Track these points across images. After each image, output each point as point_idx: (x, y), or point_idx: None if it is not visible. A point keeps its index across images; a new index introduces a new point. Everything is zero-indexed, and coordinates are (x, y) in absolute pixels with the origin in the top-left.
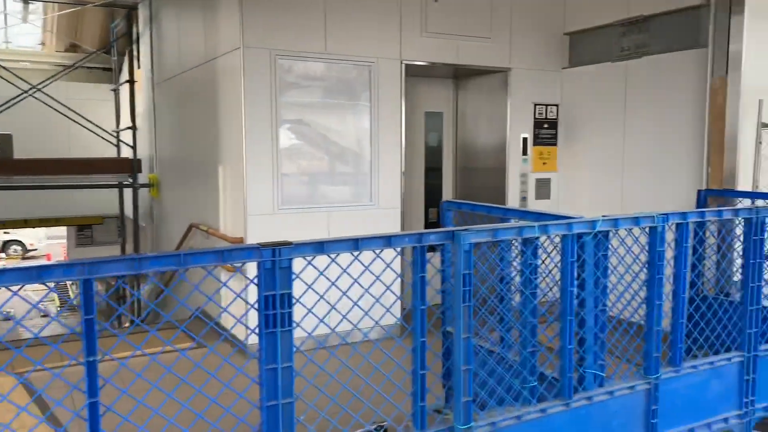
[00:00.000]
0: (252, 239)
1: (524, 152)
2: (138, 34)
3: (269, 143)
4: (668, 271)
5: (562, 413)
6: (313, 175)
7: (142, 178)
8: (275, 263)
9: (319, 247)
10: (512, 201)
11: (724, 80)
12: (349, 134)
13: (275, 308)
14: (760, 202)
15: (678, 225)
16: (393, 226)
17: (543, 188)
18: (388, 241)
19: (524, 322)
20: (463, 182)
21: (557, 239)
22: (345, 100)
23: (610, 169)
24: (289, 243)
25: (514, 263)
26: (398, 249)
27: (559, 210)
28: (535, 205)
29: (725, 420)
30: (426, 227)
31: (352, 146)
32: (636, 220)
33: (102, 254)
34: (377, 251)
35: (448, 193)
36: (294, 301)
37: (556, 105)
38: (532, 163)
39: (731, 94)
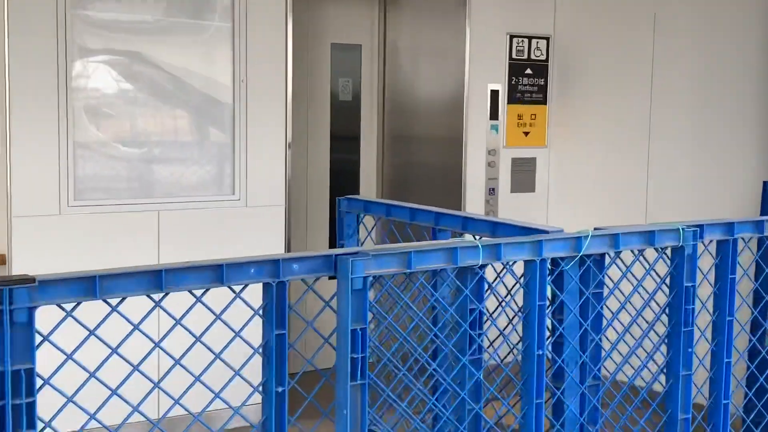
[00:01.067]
0: (22, 256)
1: (493, 114)
2: None
3: (54, 90)
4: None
5: None
6: (133, 148)
7: None
8: (4, 315)
9: (89, 285)
10: (474, 194)
11: None
12: (195, 78)
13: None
14: None
15: (721, 243)
16: (272, 236)
17: (523, 174)
18: (217, 273)
19: (460, 407)
20: (395, 160)
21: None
22: (188, 19)
23: (629, 147)
24: (30, 279)
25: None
26: (238, 288)
27: (547, 212)
28: (509, 201)
29: None
30: (331, 236)
31: (200, 98)
32: (649, 236)
33: None
34: (198, 292)
35: (369, 179)
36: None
37: (547, 38)
38: (505, 133)
39: None
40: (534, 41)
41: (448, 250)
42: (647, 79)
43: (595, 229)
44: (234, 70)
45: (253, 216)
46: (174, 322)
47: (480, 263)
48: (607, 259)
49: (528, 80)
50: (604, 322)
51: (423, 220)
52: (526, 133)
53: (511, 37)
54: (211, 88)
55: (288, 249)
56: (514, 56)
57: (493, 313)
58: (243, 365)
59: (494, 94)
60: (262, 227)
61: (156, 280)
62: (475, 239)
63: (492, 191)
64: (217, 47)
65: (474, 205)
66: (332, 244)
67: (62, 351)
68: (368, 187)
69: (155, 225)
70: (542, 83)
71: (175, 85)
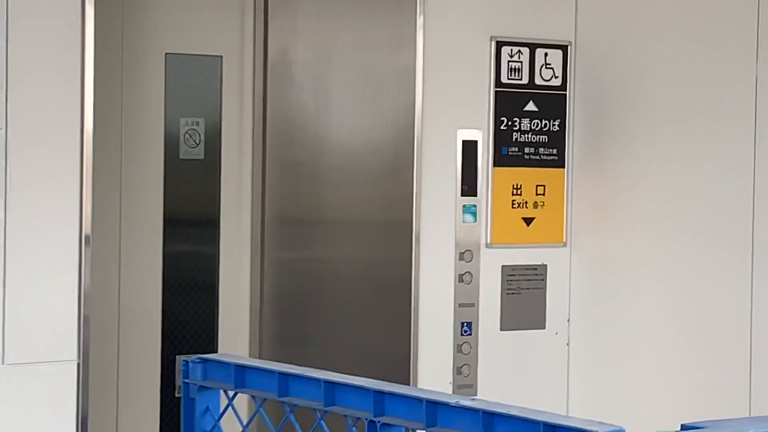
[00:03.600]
0: None
1: (468, 186)
2: None
3: None
4: None
5: None
6: None
7: None
8: None
9: None
10: (433, 334)
11: None
12: None
13: None
14: None
15: None
16: (52, 424)
17: (524, 297)
18: None
19: None
20: (285, 267)
21: None
22: None
23: (722, 251)
24: None
25: None
26: None
27: (568, 371)
28: (498, 347)
29: None
30: (168, 417)
31: None
32: None
33: None
34: None
35: (236, 305)
36: None
37: (564, 47)
38: (490, 220)
39: None
40: (541, 53)
41: None
42: (748, 125)
43: (683, 428)
44: None
45: (16, 384)
46: None
47: None
48: None
49: (531, 123)
50: None
51: (351, 404)
52: (529, 221)
53: (500, 44)
54: None
55: None
56: (505, 80)
57: None
58: None
59: (469, 148)
60: (35, 404)
61: None
62: None
63: (466, 328)
64: None
65: (432, 354)
66: None
67: None
68: (235, 319)
69: None
70: (557, 128)
71: None
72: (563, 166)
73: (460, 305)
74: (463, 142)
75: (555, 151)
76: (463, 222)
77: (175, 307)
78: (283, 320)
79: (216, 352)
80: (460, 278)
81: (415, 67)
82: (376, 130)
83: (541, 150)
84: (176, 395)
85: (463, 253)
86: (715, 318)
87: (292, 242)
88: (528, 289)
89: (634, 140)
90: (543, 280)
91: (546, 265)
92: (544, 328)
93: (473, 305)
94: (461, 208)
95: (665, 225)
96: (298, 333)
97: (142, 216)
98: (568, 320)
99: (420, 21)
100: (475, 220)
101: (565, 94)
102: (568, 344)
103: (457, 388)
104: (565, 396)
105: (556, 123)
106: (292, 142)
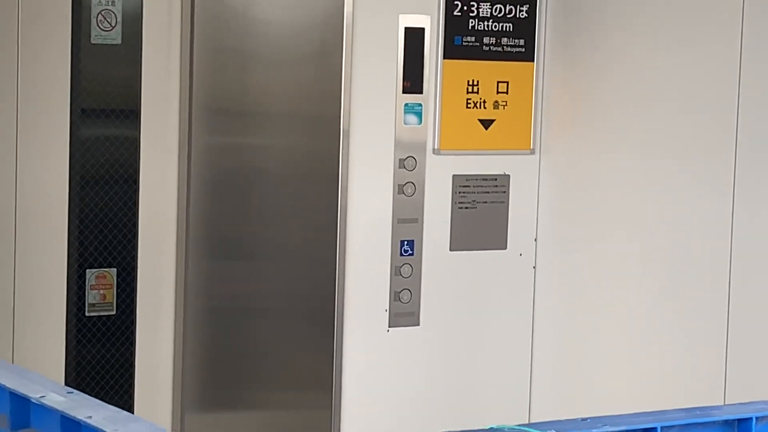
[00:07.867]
0: None
1: (412, 81)
2: None
3: None
4: None
5: None
6: None
7: None
8: None
9: None
10: (366, 253)
11: None
12: None
13: None
14: None
15: None
16: None
17: (479, 212)
18: None
19: None
20: (214, 156)
21: None
22: None
23: (702, 165)
24: None
25: None
26: None
27: (534, 305)
28: (447, 271)
29: None
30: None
31: None
32: None
33: None
34: None
35: (163, 202)
36: None
37: None
38: (439, 123)
39: None
40: None
41: None
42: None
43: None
44: None
45: None
46: None
47: None
48: None
49: (492, 8)
50: None
51: None
52: (488, 123)
53: None
54: None
55: None
56: None
57: None
58: None
59: (413, 36)
60: None
61: None
62: None
63: (407, 248)
64: None
65: (364, 275)
66: None
67: None
68: (156, 213)
69: None
70: (525, 15)
71: None
72: (532, 60)
73: (400, 221)
74: (407, 29)
75: (522, 41)
76: (405, 123)
77: (86, 204)
78: (210, 211)
79: (136, 257)
80: (401, 189)
81: None
82: (305, 9)
83: (505, 40)
84: (87, 314)
85: (404, 159)
86: (695, 242)
87: (218, 133)
88: (485, 203)
89: (617, 29)
90: (505, 192)
91: (509, 176)
92: (505, 248)
93: (416, 221)
94: (402, 108)
95: (649, 127)
96: (222, 230)
97: (44, 106)
98: (536, 240)
99: None
100: (420, 122)
101: None
102: (534, 267)
103: (395, 316)
104: (530, 328)
105: (524, 8)
106: (219, 25)
